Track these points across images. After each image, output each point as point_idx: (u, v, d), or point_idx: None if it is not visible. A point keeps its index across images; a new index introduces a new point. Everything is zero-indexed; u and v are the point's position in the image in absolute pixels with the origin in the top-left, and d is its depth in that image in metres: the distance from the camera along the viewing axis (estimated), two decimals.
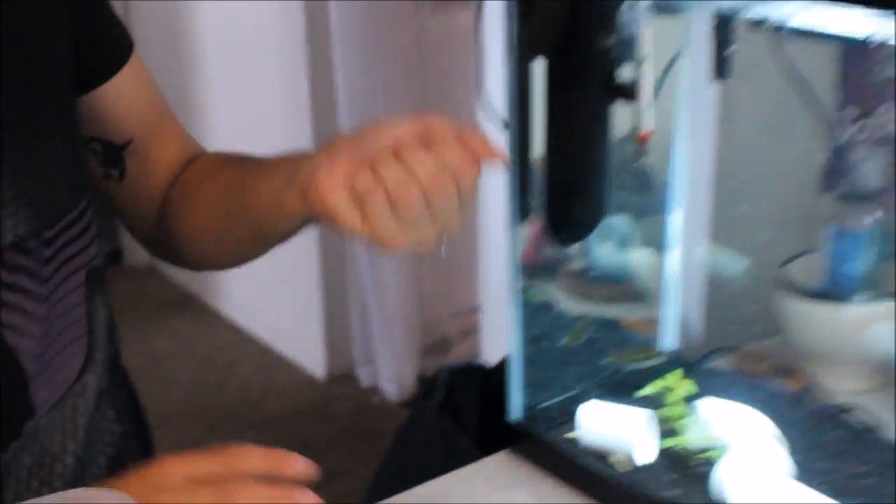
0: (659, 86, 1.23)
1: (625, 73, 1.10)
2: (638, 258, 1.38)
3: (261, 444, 2.61)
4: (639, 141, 1.10)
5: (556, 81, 1.11)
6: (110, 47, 1.07)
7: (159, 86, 1.17)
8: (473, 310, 2.77)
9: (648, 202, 1.35)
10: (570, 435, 1.22)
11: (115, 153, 1.08)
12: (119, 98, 1.07)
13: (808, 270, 1.40)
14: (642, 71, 1.08)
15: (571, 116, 1.11)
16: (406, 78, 3.22)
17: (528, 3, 1.10)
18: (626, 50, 1.09)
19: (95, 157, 1.07)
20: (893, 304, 1.33)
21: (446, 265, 3.37)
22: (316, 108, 3.26)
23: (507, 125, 1.14)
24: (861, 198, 1.35)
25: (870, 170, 1.35)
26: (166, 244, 1.18)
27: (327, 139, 1.01)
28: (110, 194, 1.12)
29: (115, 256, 4.15)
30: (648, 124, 1.09)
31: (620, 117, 1.13)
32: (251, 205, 1.02)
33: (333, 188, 0.88)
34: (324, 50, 3.18)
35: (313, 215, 0.94)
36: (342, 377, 3.50)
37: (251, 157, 1.11)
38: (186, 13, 3.72)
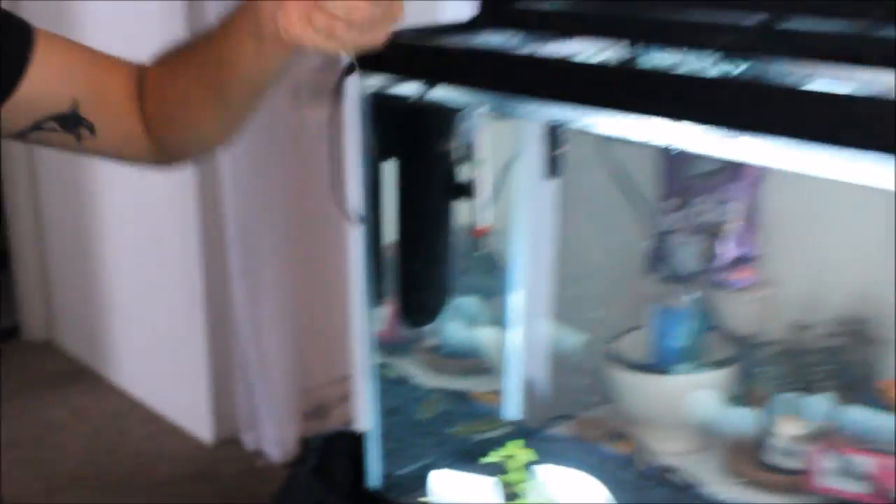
0: (499, 183, 1.27)
1: (464, 174, 1.13)
2: (485, 335, 1.41)
3: None
4: (476, 235, 1.12)
5: (405, 181, 1.14)
6: (11, 45, 1.02)
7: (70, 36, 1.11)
8: (347, 377, 2.76)
9: (494, 285, 1.38)
10: (423, 500, 1.23)
11: (71, 119, 1.04)
12: (45, 79, 1.02)
13: (635, 345, 1.44)
14: (479, 172, 1.11)
15: (418, 212, 1.14)
16: (285, 165, 3.22)
17: (378, 110, 1.13)
18: (466, 153, 1.12)
19: (57, 133, 1.04)
20: (708, 374, 1.37)
21: (323, 336, 3.37)
22: (203, 194, 3.25)
23: (361, 219, 1.16)
24: (681, 279, 1.39)
25: (688, 255, 1.40)
26: (172, 150, 1.14)
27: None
28: (103, 150, 1.11)
29: (13, 332, 4.07)
30: (484, 220, 1.12)
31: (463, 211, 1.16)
32: (236, 74, 1.00)
33: (299, 27, 0.89)
34: None
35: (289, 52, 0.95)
36: (228, 441, 3.46)
37: (203, 38, 1.05)
38: None
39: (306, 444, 1.39)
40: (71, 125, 1.04)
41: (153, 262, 3.52)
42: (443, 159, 1.12)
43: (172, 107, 1.08)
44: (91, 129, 1.05)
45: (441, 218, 1.14)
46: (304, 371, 3.41)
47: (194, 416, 3.48)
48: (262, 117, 2.88)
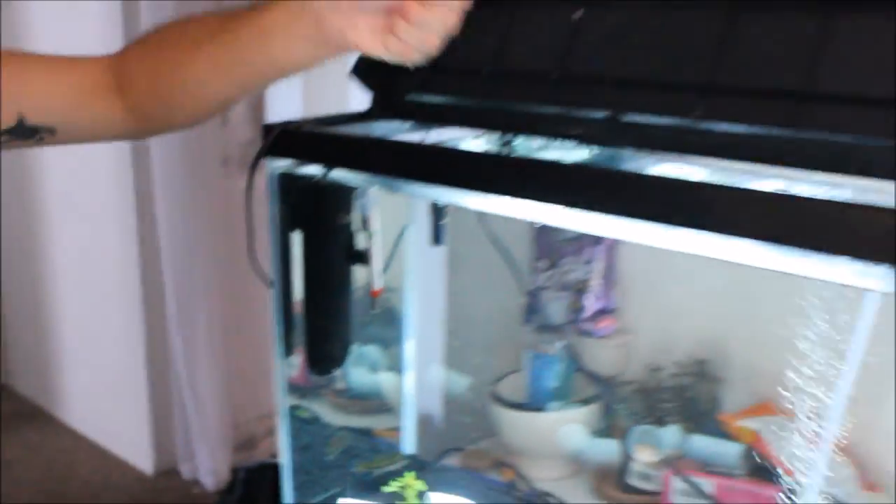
0: (393, 249, 1.27)
1: (361, 243, 1.13)
2: (384, 379, 1.40)
3: None
4: (372, 295, 1.12)
5: (310, 248, 1.13)
6: None
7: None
8: (272, 414, 2.74)
9: (391, 336, 1.38)
10: None
11: (22, 130, 0.94)
12: None
13: (514, 386, 1.45)
14: (373, 241, 1.12)
15: (321, 275, 1.13)
16: (215, 231, 3.20)
17: (285, 187, 1.13)
18: (362, 224, 1.12)
19: (15, 141, 0.96)
20: (576, 410, 1.38)
21: (249, 377, 3.35)
22: (143, 257, 3.23)
23: (271, 283, 1.15)
24: (551, 329, 1.40)
25: (557, 308, 1.41)
26: (158, 124, 1.05)
27: None
28: (72, 141, 1.02)
29: None
30: (379, 283, 1.12)
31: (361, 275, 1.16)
32: (272, 68, 0.93)
33: (370, 44, 0.86)
34: (149, 205, 3.16)
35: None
36: (168, 472, 3.42)
37: (221, 27, 0.94)
38: (34, 175, 3.63)
39: (234, 475, 1.37)
40: (25, 134, 0.96)
41: (99, 315, 3.47)
42: (342, 230, 1.12)
43: (170, 88, 0.98)
44: (50, 130, 0.97)
45: (341, 280, 1.14)
46: (234, 408, 3.38)
47: (136, 450, 3.43)
48: (194, 186, 2.89)
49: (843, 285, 0.95)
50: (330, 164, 1.07)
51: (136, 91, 0.98)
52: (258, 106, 3.35)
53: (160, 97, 1.00)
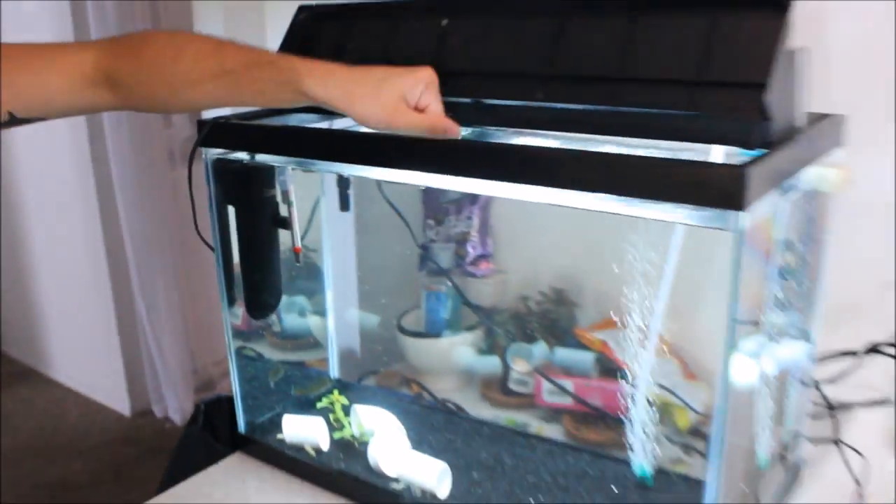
0: (311, 215, 1.29)
1: (283, 211, 1.15)
2: (312, 322, 1.42)
3: (90, 467, 2.48)
4: (295, 252, 1.14)
5: (242, 218, 1.14)
6: None
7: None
8: (226, 359, 2.74)
9: (315, 285, 1.39)
10: (279, 437, 1.24)
11: (15, 122, 0.85)
12: None
13: (415, 319, 1.48)
14: (292, 209, 1.13)
15: (253, 240, 1.15)
16: (166, 210, 3.19)
17: (219, 170, 1.13)
18: (283, 196, 1.14)
19: (10, 128, 0.85)
20: (465, 335, 1.43)
21: (204, 329, 3.35)
22: (107, 235, 3.19)
23: (213, 248, 1.16)
24: (441, 273, 1.43)
25: (444, 256, 1.44)
26: (141, 109, 0.95)
27: None
28: (63, 116, 0.90)
29: None
30: (298, 242, 1.14)
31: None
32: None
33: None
34: (110, 196, 3.12)
35: None
36: (143, 413, 3.41)
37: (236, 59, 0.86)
38: (7, 172, 3.54)
39: (195, 408, 1.37)
40: (18, 123, 0.86)
41: (74, 287, 3.43)
42: (267, 202, 1.13)
43: (171, 102, 0.91)
44: (41, 118, 0.88)
45: (269, 242, 1.15)
46: (193, 356, 3.39)
47: (115, 396, 3.43)
48: (146, 176, 2.85)
49: (659, 221, 1.00)
50: (254, 149, 1.09)
51: (132, 96, 0.90)
52: None
53: (156, 104, 0.94)
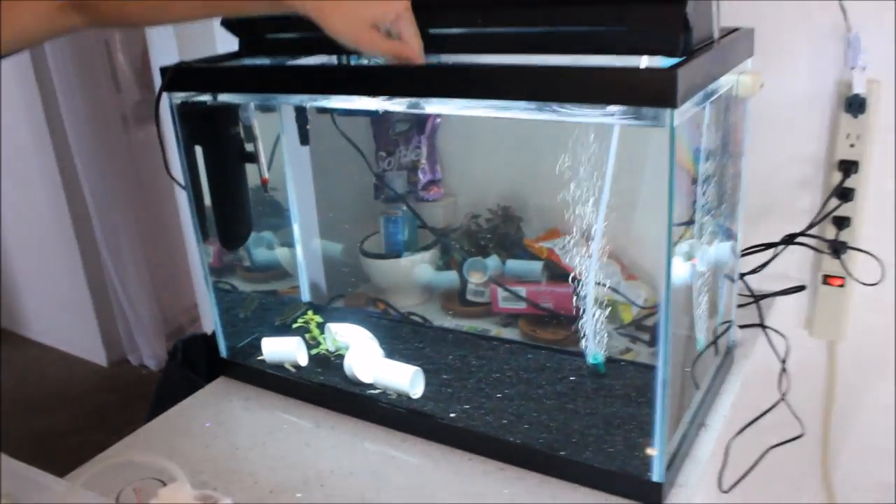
0: (273, 152, 1.28)
1: (248, 147, 1.14)
2: (280, 253, 1.42)
3: (73, 416, 2.46)
4: (263, 182, 1.14)
5: (210, 156, 1.14)
6: None
7: None
8: (194, 305, 2.72)
9: (281, 221, 1.40)
10: (259, 358, 1.25)
11: None
12: None
13: (376, 243, 1.49)
14: (257, 144, 1.13)
15: (222, 176, 1.14)
16: (124, 166, 3.14)
17: (184, 113, 1.12)
18: (247, 133, 1.13)
19: None
20: (423, 254, 1.44)
21: (172, 279, 3.32)
22: (69, 197, 3.13)
23: (184, 186, 1.16)
24: (395, 199, 1.44)
25: (399, 183, 1.45)
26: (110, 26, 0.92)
27: None
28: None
29: None
30: (265, 173, 1.14)
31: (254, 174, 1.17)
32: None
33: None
34: (69, 159, 3.06)
35: None
36: (119, 362, 3.39)
37: None
38: None
39: (173, 346, 1.37)
40: None
41: (42, 248, 3.37)
42: (233, 139, 1.13)
43: (142, 18, 0.87)
44: (15, 53, 0.83)
45: (237, 177, 1.15)
46: (162, 305, 3.37)
47: (91, 349, 3.41)
48: (102, 140, 2.80)
49: (596, 129, 1.03)
50: (218, 89, 1.08)
51: (105, 15, 0.85)
52: (144, 72, 3.24)
53: (131, 21, 0.89)
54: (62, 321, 3.46)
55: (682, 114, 0.80)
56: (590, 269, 1.10)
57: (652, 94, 0.78)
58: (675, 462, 0.98)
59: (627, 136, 1.02)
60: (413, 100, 0.94)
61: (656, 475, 0.94)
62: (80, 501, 0.77)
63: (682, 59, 0.84)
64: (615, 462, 0.98)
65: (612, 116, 0.83)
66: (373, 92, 0.94)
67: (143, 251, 3.21)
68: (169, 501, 0.73)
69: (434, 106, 0.95)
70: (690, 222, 0.99)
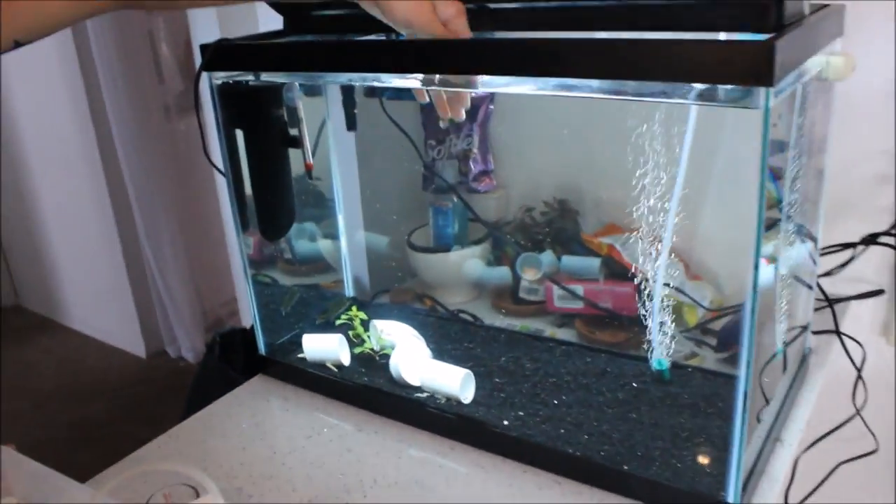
0: (317, 138, 1.21)
1: (292, 131, 1.07)
2: (323, 246, 1.35)
3: (110, 406, 2.45)
4: (306, 168, 1.07)
5: (251, 141, 1.07)
6: None
7: None
8: (234, 298, 2.68)
9: (324, 212, 1.33)
10: (300, 356, 1.18)
11: (20, 45, 0.75)
12: None
13: (424, 236, 1.41)
14: (302, 127, 1.06)
15: (263, 160, 1.07)
16: (166, 159, 3.12)
17: (224, 94, 1.05)
18: (291, 116, 1.06)
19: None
20: (473, 248, 1.36)
21: (211, 272, 3.29)
22: (111, 189, 3.11)
23: (223, 172, 1.09)
24: (446, 190, 1.36)
25: (448, 174, 1.37)
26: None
27: None
28: None
29: None
30: (309, 159, 1.06)
31: (297, 161, 1.09)
32: None
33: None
34: (111, 150, 3.04)
35: None
36: (158, 354, 3.37)
37: None
38: (11, 134, 3.43)
39: (211, 339, 1.32)
40: (20, 46, 0.76)
41: (84, 240, 3.37)
42: (276, 122, 1.05)
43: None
44: (44, 37, 0.78)
45: (280, 162, 1.08)
46: (202, 298, 3.35)
47: (131, 341, 3.39)
48: (144, 131, 2.78)
49: (670, 107, 0.93)
50: (260, 68, 1.01)
51: None
52: (187, 63, 3.20)
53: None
54: (102, 311, 3.45)
55: (777, 94, 0.71)
56: (659, 268, 1.00)
57: (746, 70, 0.68)
58: (749, 481, 0.89)
59: (705, 119, 0.93)
60: (469, 78, 0.85)
61: (731, 496, 0.85)
62: None
63: (774, 34, 0.74)
64: (684, 479, 0.88)
65: (693, 97, 0.74)
66: (427, 69, 0.85)
67: (184, 242, 3.18)
68: None
69: (494, 86, 0.87)
70: (776, 221, 0.89)
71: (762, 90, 0.69)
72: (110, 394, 3.08)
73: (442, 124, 1.34)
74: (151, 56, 3.08)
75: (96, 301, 3.45)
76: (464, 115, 0.93)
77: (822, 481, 1.29)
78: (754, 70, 0.68)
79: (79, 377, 3.23)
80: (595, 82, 0.78)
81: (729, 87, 0.71)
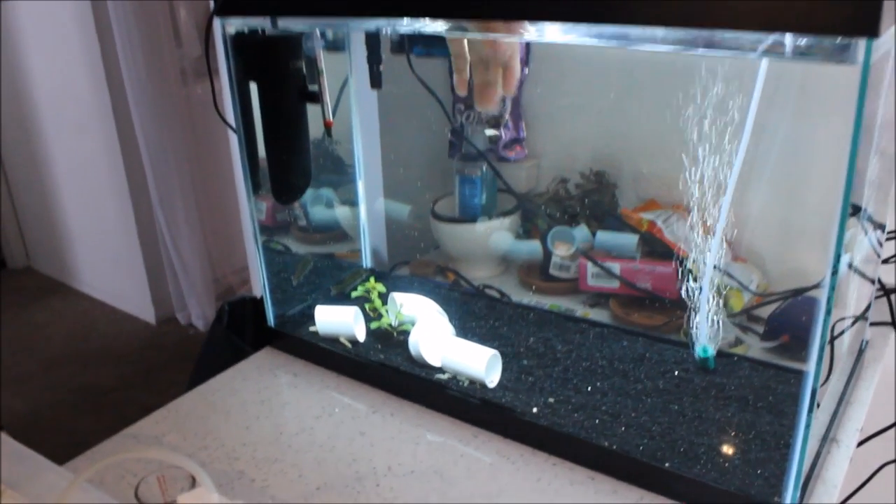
0: (339, 97, 1.11)
1: (311, 86, 0.96)
2: (341, 213, 1.26)
3: (118, 372, 2.37)
4: (326, 126, 0.96)
5: (266, 95, 0.96)
6: None
7: None
8: (247, 267, 2.60)
9: (343, 177, 1.23)
10: (311, 329, 1.08)
11: None
12: None
13: (449, 205, 1.31)
14: (321, 80, 0.95)
15: (279, 117, 0.97)
16: (182, 124, 3.03)
17: (238, 44, 0.95)
18: (310, 67, 0.96)
19: None
20: (501, 220, 1.25)
21: (224, 240, 3.21)
22: (125, 152, 3.03)
23: (235, 129, 0.99)
24: (474, 158, 1.26)
25: (477, 140, 1.27)
26: None
27: None
28: None
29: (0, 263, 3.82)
30: (329, 115, 0.96)
31: (315, 122, 0.99)
32: None
33: None
34: (126, 114, 2.95)
35: None
36: (167, 321, 3.30)
37: None
38: (25, 96, 3.34)
39: (220, 308, 1.22)
40: None
41: (97, 204, 3.30)
42: (294, 74, 0.95)
43: None
44: None
45: (297, 119, 0.98)
46: (213, 266, 3.29)
47: (140, 306, 3.33)
48: (160, 95, 2.70)
49: (731, 66, 0.83)
50: (277, 12, 0.90)
51: None
52: (205, 26, 3.11)
53: None
54: (113, 276, 3.38)
55: (877, 48, 0.60)
56: (711, 247, 0.90)
57: (845, 16, 0.57)
58: (806, 486, 0.79)
59: (773, 80, 0.82)
60: (513, 25, 0.74)
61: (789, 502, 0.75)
62: (82, 499, 0.61)
63: None
64: (732, 481, 0.79)
65: (773, 51, 0.63)
66: (467, 12, 0.75)
67: (197, 209, 3.10)
68: None
69: (542, 36, 0.76)
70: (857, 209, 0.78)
71: (862, 42, 0.58)
72: (118, 359, 3.00)
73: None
74: (170, 19, 2.99)
75: (107, 265, 3.38)
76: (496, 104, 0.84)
77: (866, 481, 1.19)
78: (855, 18, 0.57)
79: (88, 342, 3.16)
80: (660, 31, 0.67)
81: (820, 38, 0.60)
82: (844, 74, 0.61)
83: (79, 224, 3.46)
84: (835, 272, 0.66)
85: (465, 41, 0.86)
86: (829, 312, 0.67)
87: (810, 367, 0.69)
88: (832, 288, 0.66)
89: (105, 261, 3.38)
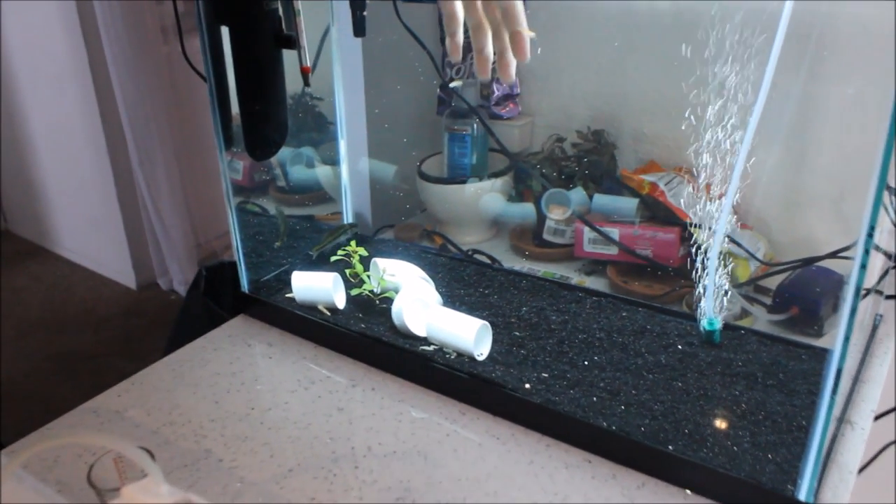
0: (319, 48, 1.02)
1: (286, 28, 0.87)
2: (322, 173, 1.17)
3: (97, 338, 2.27)
4: (303, 72, 0.88)
5: (239, 40, 0.87)
6: None
7: None
8: (229, 232, 2.53)
9: (323, 135, 1.15)
10: (288, 296, 1.01)
11: None
12: None
13: (436, 165, 1.23)
14: (298, 22, 0.86)
15: (253, 62, 0.88)
16: (161, 84, 2.92)
17: None
18: (287, 11, 0.87)
19: None
20: (493, 181, 1.17)
21: (206, 203, 3.12)
22: (103, 111, 2.93)
23: (205, 78, 0.90)
24: (464, 114, 1.17)
25: (469, 95, 1.18)
26: None
27: None
28: None
29: None
30: (307, 61, 0.87)
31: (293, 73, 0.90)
32: None
33: None
34: (104, 72, 2.84)
35: None
36: (148, 286, 3.21)
37: None
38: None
39: (197, 273, 1.15)
40: None
41: (75, 165, 3.21)
42: (269, 16, 0.86)
43: None
44: None
45: (272, 66, 0.89)
46: (196, 230, 3.19)
47: (121, 271, 3.24)
48: (139, 52, 2.58)
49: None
50: None
51: None
52: None
53: None
54: (92, 239, 3.30)
55: None
56: (722, 213, 0.83)
57: None
58: (822, 472, 0.72)
59: (793, 31, 0.74)
60: None
61: (804, 494, 0.68)
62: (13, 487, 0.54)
63: None
64: (742, 467, 0.72)
65: None
66: None
67: (179, 171, 3.00)
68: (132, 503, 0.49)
69: None
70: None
71: None
72: (98, 325, 2.93)
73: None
74: None
75: (87, 229, 3.29)
76: (514, 76, 0.74)
77: (871, 461, 1.14)
78: None
79: (66, 307, 3.08)
80: None
81: None
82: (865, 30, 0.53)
83: (56, 186, 3.37)
84: (867, 250, 0.58)
85: None
86: (860, 283, 0.60)
87: (836, 345, 0.62)
88: (865, 257, 0.59)
89: (84, 224, 3.30)
